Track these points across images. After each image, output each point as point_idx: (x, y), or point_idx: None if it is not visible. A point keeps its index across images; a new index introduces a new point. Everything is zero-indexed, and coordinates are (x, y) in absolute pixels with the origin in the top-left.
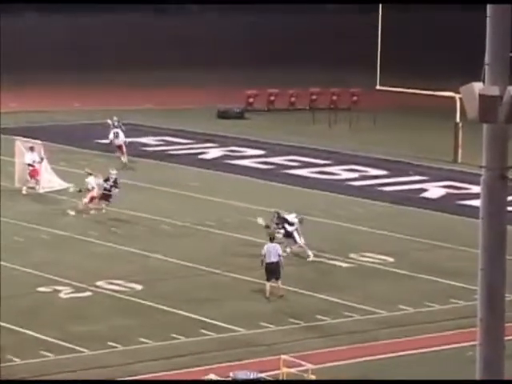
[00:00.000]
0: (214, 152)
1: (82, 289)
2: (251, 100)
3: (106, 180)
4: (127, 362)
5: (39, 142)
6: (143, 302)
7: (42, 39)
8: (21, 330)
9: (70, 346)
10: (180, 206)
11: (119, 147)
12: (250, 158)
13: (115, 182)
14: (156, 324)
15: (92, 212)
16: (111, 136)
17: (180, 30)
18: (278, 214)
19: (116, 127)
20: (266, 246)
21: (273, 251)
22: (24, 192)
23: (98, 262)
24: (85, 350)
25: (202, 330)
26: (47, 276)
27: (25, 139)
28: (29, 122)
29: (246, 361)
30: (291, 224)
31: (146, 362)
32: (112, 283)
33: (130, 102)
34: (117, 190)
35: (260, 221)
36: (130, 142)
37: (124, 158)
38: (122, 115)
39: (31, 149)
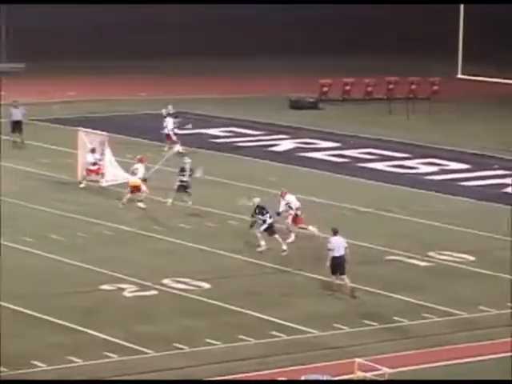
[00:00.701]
0: (285, 144)
1: (146, 287)
2: (325, 89)
3: (182, 170)
4: (193, 364)
5: (104, 133)
6: (211, 301)
7: (103, 25)
8: (83, 329)
9: (134, 346)
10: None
11: (167, 137)
12: (324, 150)
13: (192, 170)
14: (224, 325)
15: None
16: (165, 125)
17: (252, 16)
18: (260, 206)
19: (170, 116)
20: (332, 240)
21: (339, 245)
22: (82, 185)
23: (164, 259)
24: (149, 351)
25: (273, 332)
26: (110, 273)
27: (89, 131)
28: (91, 112)
29: (319, 364)
30: (271, 217)
31: (212, 365)
32: (178, 281)
33: (198, 91)
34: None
35: (242, 202)
36: (198, 133)
37: (175, 148)
38: (189, 105)
39: (92, 150)
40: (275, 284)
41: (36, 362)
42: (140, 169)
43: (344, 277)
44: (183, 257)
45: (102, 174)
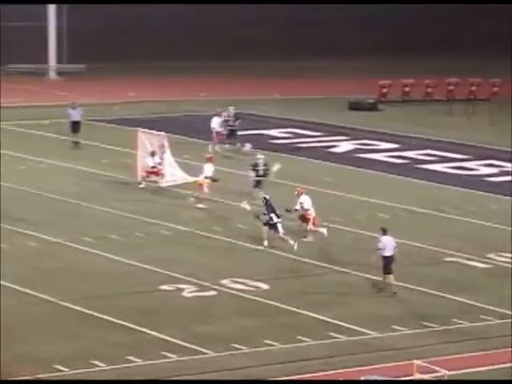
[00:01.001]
0: (344, 145)
1: (205, 288)
2: (385, 90)
3: (255, 166)
4: (252, 364)
5: (162, 133)
6: (268, 302)
7: (164, 25)
8: (142, 329)
9: (193, 347)
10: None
11: (217, 134)
12: (383, 151)
13: (266, 165)
14: (282, 326)
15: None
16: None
17: (307, 15)
18: (266, 200)
19: (229, 117)
20: (382, 239)
21: (389, 244)
22: (142, 186)
23: (223, 259)
24: (208, 352)
25: (331, 333)
26: (170, 273)
27: (148, 131)
28: (151, 113)
29: (377, 365)
30: (278, 216)
31: (271, 366)
32: (237, 282)
33: (257, 92)
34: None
35: (244, 205)
36: (257, 134)
37: (213, 146)
38: (248, 105)
39: (152, 154)
40: (332, 284)
41: (96, 362)
42: (207, 168)
43: (391, 276)
44: (241, 257)
45: (162, 175)
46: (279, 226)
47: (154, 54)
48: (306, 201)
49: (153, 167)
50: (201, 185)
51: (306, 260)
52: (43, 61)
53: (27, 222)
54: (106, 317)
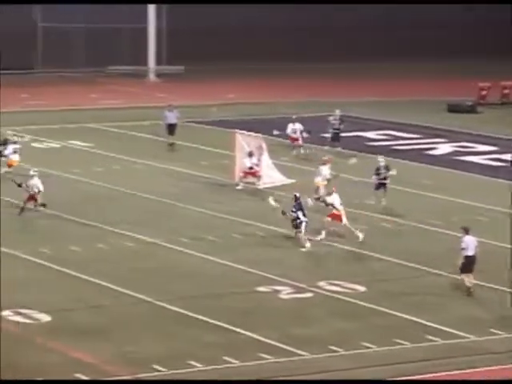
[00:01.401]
0: (443, 148)
1: (302, 289)
2: (484, 93)
3: (378, 169)
4: (349, 366)
5: (259, 135)
6: (365, 304)
7: (263, 26)
8: (238, 330)
9: (290, 348)
10: (403, 203)
11: (290, 138)
12: (481, 154)
13: (387, 169)
14: (379, 328)
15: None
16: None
17: (404, 16)
18: (296, 197)
19: (335, 120)
20: (465, 239)
21: (471, 244)
22: (239, 187)
23: (318, 261)
24: (305, 354)
25: (428, 336)
26: (266, 275)
27: (246, 133)
28: (249, 115)
29: (479, 369)
30: (305, 215)
31: (368, 368)
32: (333, 284)
33: (355, 94)
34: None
35: (271, 200)
36: (355, 136)
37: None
38: (345, 107)
39: (250, 154)
40: (427, 286)
41: (193, 362)
42: (324, 170)
43: (471, 275)
44: (338, 259)
45: (259, 177)
46: (303, 225)
47: (252, 56)
48: (336, 199)
49: (250, 168)
50: (318, 187)
51: (402, 262)
52: (143, 63)
53: (124, 222)
54: (202, 317)
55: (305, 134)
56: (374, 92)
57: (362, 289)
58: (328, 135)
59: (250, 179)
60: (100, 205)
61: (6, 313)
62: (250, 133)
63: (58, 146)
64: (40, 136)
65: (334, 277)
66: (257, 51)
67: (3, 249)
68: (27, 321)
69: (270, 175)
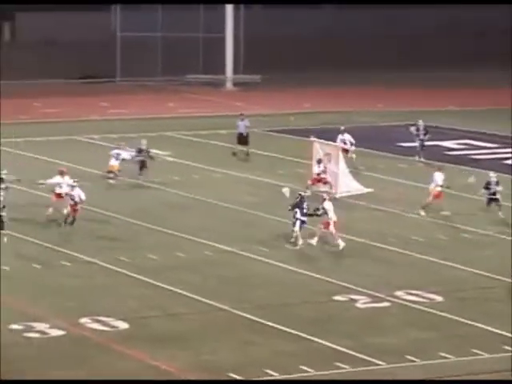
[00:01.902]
0: None
1: (379, 299)
2: None
3: (488, 184)
4: (427, 377)
5: (337, 144)
6: (443, 314)
7: (341, 34)
8: (314, 339)
9: (366, 357)
10: (483, 213)
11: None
12: None
13: (497, 184)
14: (456, 338)
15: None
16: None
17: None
18: (301, 196)
19: (419, 131)
20: None
21: None
22: (307, 193)
23: (396, 270)
24: (381, 363)
25: (505, 346)
26: (344, 284)
27: (324, 142)
28: (326, 123)
29: None
30: (304, 214)
31: (445, 378)
32: (410, 293)
33: (433, 103)
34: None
35: (285, 191)
36: (434, 146)
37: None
38: (425, 117)
39: (318, 161)
40: (505, 297)
41: (269, 371)
42: (437, 177)
43: None
44: (416, 269)
45: (328, 184)
46: (298, 223)
47: (329, 64)
48: (330, 206)
49: (318, 174)
50: (436, 195)
51: (482, 272)
52: (220, 71)
53: (201, 231)
54: (278, 326)
55: (353, 147)
56: (453, 101)
57: (439, 298)
58: (405, 144)
59: (321, 187)
60: (178, 213)
61: (84, 320)
62: (328, 142)
63: None
64: (117, 144)
65: (412, 286)
66: (333, 60)
67: (83, 256)
68: (105, 328)
69: (347, 184)
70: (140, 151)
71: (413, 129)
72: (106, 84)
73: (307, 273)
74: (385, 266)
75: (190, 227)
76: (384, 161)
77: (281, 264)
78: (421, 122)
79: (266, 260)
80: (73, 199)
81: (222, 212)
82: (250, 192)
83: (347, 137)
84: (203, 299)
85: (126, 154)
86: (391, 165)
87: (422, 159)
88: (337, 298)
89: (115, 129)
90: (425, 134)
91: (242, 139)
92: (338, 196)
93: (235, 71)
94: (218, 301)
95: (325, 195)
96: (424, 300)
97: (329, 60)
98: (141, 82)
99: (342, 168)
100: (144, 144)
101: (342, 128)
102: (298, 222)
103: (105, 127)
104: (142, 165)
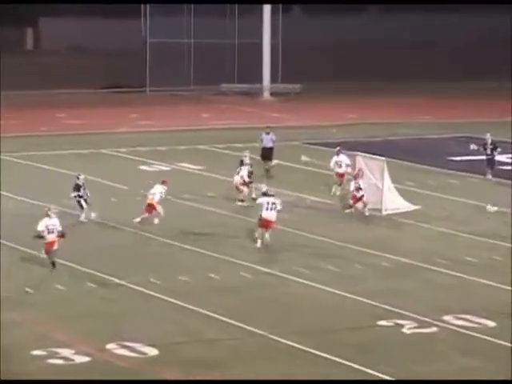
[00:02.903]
0: None
1: (426, 324)
2: None
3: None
4: None
5: (383, 158)
6: (495, 340)
7: (384, 44)
8: (357, 366)
9: None
10: None
11: (336, 174)
12: None
13: None
14: (509, 366)
15: None
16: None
17: None
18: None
19: (486, 145)
20: None
21: None
22: (347, 211)
23: (446, 294)
24: None
25: None
26: (389, 308)
27: (368, 155)
28: (371, 136)
29: None
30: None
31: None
32: (460, 318)
33: (486, 114)
34: None
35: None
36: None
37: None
38: (474, 128)
39: (355, 177)
40: None
41: None
42: None
43: None
44: (467, 292)
45: (363, 202)
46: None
47: (370, 74)
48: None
49: (351, 191)
50: None
51: None
52: (257, 80)
53: (238, 251)
54: (318, 352)
55: (349, 169)
56: (503, 112)
57: (491, 324)
58: (456, 158)
59: (359, 204)
60: (212, 232)
61: (110, 346)
62: (372, 155)
63: (168, 168)
64: (146, 158)
65: (462, 311)
66: (375, 69)
67: (114, 279)
68: (133, 354)
69: (393, 200)
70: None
71: (473, 145)
72: (135, 94)
73: (350, 295)
74: (433, 289)
75: (225, 247)
76: (433, 176)
77: (322, 286)
78: (488, 136)
79: (307, 282)
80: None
81: None
82: (287, 209)
83: (343, 158)
84: (238, 323)
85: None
86: (441, 180)
87: (490, 177)
88: (382, 322)
89: (145, 142)
90: (494, 149)
91: (267, 154)
92: (383, 213)
93: (273, 80)
94: (255, 325)
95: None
96: (475, 325)
97: (370, 69)
98: (172, 91)
99: (388, 183)
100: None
101: (337, 148)
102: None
103: (134, 140)
104: None
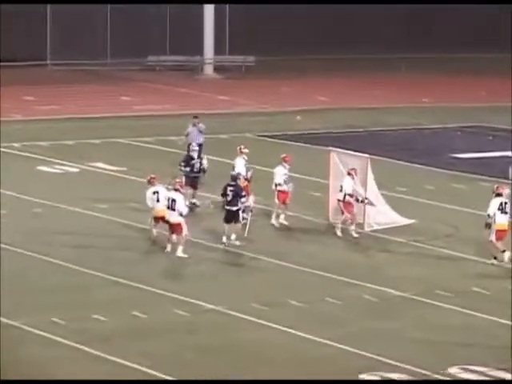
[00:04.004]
0: None
1: (424, 377)
2: None
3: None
4: None
5: (365, 155)
6: None
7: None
8: None
9: None
10: None
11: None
12: None
13: None
14: None
15: None
16: None
17: None
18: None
19: None
20: None
21: None
22: (339, 233)
23: (451, 337)
24: None
25: None
26: (372, 356)
27: (346, 152)
28: (348, 126)
29: None
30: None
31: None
32: (470, 370)
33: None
34: None
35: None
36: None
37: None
38: (489, 115)
39: (349, 174)
40: None
41: None
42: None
43: None
44: (477, 335)
45: (352, 215)
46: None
47: (351, 44)
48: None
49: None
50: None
51: None
52: (197, 51)
53: (167, 281)
54: None
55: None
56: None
57: (508, 376)
58: (463, 156)
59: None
60: (134, 254)
61: None
62: (352, 152)
63: (76, 170)
64: (47, 156)
65: (472, 360)
66: (355, 37)
67: (4, 319)
68: None
69: (379, 212)
70: None
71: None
72: (32, 69)
73: (321, 340)
74: (431, 330)
75: (153, 274)
76: (432, 179)
77: (284, 328)
78: None
79: (264, 322)
80: None
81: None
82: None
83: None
84: (172, 378)
85: None
86: (443, 185)
87: None
88: (364, 376)
89: (43, 133)
90: None
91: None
92: (366, 230)
93: (217, 51)
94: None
95: None
96: (489, 379)
97: (350, 37)
98: (82, 66)
99: (372, 189)
100: None
101: (284, 155)
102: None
103: (26, 131)
104: None
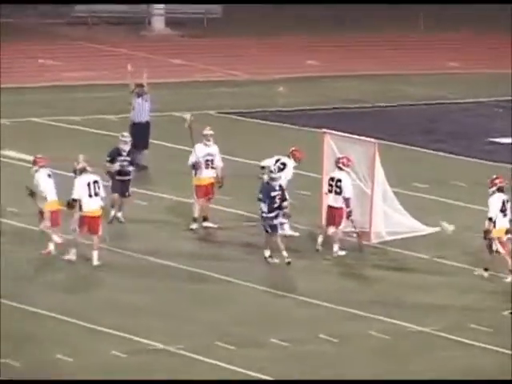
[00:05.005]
0: None
1: None
2: None
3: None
4: None
5: (370, 140)
6: None
7: None
8: None
9: None
10: None
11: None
12: None
13: None
14: None
15: None
16: None
17: None
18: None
19: None
20: None
21: None
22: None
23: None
24: None
25: None
26: None
27: (343, 135)
28: (344, 99)
29: None
30: None
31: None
32: None
33: None
34: None
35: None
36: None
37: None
38: None
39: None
40: None
41: None
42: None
43: None
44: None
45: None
46: None
47: None
48: None
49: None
50: None
51: None
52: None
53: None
54: None
55: None
56: None
57: None
58: (503, 140)
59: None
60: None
61: None
62: (352, 135)
63: None
64: None
65: None
66: None
67: None
68: None
69: (392, 217)
70: None
71: None
72: None
73: None
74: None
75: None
76: (464, 171)
77: (256, 373)
78: None
79: (233, 368)
80: None
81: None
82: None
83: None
84: None
85: None
86: (478, 179)
87: None
88: None
89: None
90: None
91: (141, 134)
92: (373, 242)
93: None
94: None
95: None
96: None
97: None
98: None
99: (382, 186)
100: None
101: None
102: None
103: None
104: None
